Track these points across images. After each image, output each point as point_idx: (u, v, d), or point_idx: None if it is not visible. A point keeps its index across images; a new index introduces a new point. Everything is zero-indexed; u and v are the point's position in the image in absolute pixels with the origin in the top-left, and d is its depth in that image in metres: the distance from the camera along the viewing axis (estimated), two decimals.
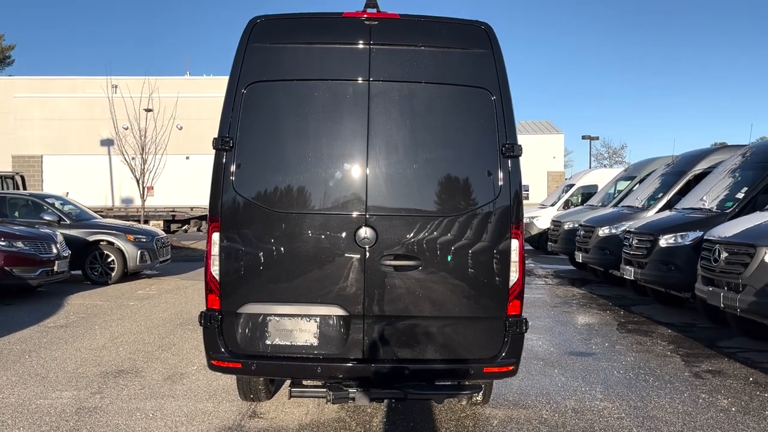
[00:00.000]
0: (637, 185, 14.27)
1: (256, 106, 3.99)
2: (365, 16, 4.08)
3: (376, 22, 4.04)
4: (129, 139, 18.75)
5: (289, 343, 3.99)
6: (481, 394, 4.95)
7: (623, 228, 11.16)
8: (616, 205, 13.97)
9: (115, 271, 12.23)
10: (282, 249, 3.98)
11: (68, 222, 12.46)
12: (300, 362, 3.97)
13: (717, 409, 5.29)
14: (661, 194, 12.10)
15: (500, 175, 3.99)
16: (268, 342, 3.99)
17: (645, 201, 12.41)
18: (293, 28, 4.08)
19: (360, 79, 3.98)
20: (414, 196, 4.01)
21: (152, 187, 25.87)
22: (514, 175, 4.00)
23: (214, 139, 4.03)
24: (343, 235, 3.95)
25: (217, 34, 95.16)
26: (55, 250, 10.48)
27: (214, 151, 4.14)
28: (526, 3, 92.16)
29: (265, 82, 4.01)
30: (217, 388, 5.67)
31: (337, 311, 3.97)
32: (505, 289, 4.00)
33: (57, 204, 12.96)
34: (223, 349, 4.00)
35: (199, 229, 23.98)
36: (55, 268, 10.40)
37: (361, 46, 4.01)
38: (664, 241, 9.37)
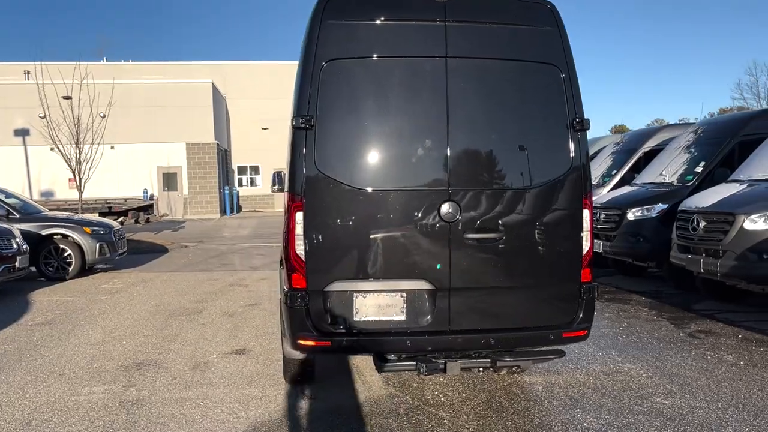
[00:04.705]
0: None
1: (335, 83, 3.97)
2: None
3: None
4: (63, 128, 17.70)
5: (377, 319, 4.03)
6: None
7: None
8: None
9: (72, 266, 11.62)
10: (367, 226, 4.01)
11: (17, 216, 11.69)
12: (389, 337, 4.03)
13: (728, 364, 5.74)
14: (614, 171, 12.75)
15: (571, 147, 4.18)
16: (356, 319, 4.02)
17: (599, 178, 13.02)
18: (366, 5, 4.07)
19: (437, 55, 4.04)
20: (493, 170, 4.12)
21: (74, 179, 24.63)
22: (583, 147, 4.20)
23: (293, 117, 3.97)
24: (428, 210, 4.02)
25: (132, 19, 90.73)
26: (15, 246, 9.87)
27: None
28: None
29: (343, 59, 3.99)
30: (250, 374, 5.60)
31: (423, 285, 4.04)
32: (579, 256, 4.21)
33: (2, 197, 12.15)
34: (311, 328, 3.99)
35: (136, 221, 23.00)
36: (17, 264, 9.80)
37: (436, 22, 4.06)
38: (632, 214, 9.93)
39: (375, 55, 4.02)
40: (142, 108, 28.57)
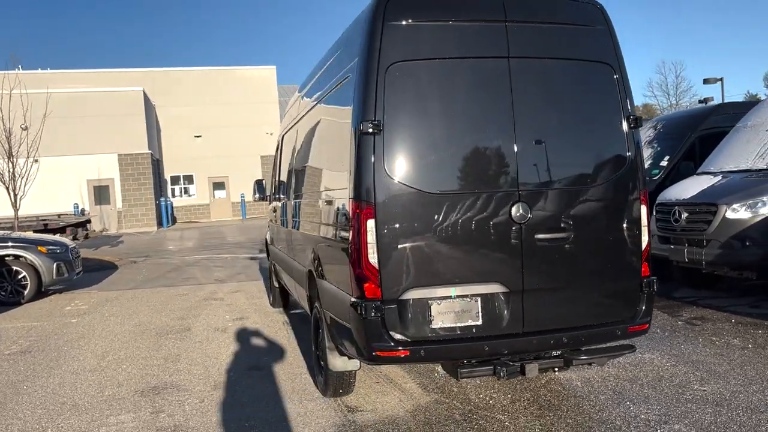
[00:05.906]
0: None
1: (400, 86, 3.88)
2: None
3: None
4: None
5: (453, 325, 3.97)
6: None
7: None
8: None
9: (28, 289, 10.89)
10: (438, 230, 3.94)
11: None
12: (467, 342, 3.97)
13: (739, 348, 6.00)
14: None
15: (628, 144, 4.27)
16: (433, 326, 3.94)
17: None
18: (427, 6, 4.01)
19: (501, 55, 4.03)
20: (559, 170, 4.15)
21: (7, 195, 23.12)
22: (638, 144, 4.30)
23: (360, 123, 3.85)
24: (499, 212, 3.99)
25: (47, 27, 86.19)
26: None
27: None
28: None
29: (407, 61, 3.91)
30: (281, 390, 5.40)
31: (497, 288, 4.01)
32: (640, 251, 4.30)
33: None
34: (388, 339, 3.88)
35: (74, 238, 21.80)
36: None
37: (497, 23, 4.05)
38: None
39: (438, 56, 3.97)
40: (68, 118, 27.17)
